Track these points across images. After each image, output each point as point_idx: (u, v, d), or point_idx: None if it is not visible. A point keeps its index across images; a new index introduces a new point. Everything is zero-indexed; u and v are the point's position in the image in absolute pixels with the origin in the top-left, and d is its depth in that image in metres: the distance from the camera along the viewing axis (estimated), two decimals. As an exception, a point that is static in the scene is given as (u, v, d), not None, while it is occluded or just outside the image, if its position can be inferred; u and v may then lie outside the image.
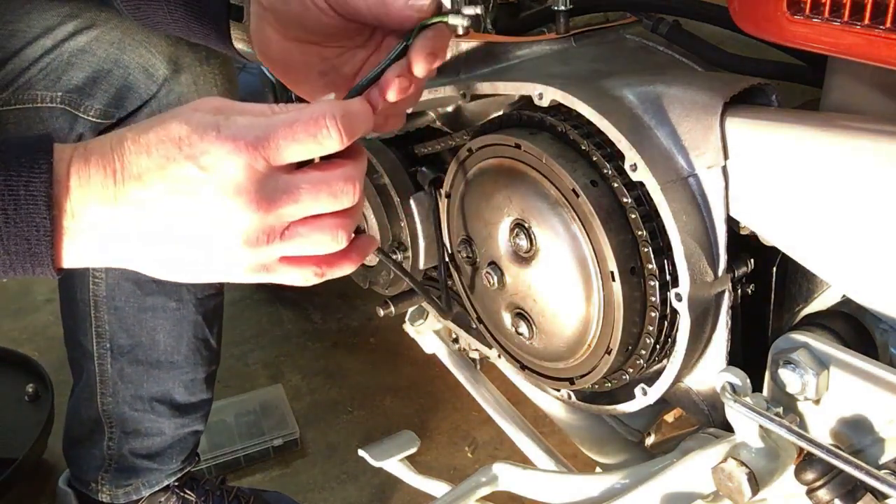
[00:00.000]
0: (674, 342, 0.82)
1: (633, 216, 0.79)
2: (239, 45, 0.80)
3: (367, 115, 0.60)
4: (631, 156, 0.77)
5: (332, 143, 0.57)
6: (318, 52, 0.72)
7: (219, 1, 0.76)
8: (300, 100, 0.73)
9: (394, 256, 1.09)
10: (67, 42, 0.98)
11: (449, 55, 1.04)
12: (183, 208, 0.57)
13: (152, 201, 0.57)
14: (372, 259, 1.15)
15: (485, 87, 0.92)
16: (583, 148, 0.82)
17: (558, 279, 0.85)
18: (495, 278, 0.93)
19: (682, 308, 0.78)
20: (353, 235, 0.63)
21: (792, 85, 0.86)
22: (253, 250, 0.59)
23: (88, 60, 0.98)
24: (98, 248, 0.58)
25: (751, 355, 0.85)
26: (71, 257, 0.58)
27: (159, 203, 0.57)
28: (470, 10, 0.65)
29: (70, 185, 0.56)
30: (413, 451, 1.23)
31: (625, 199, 0.80)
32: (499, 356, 1.04)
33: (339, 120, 0.57)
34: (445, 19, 0.65)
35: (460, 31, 0.66)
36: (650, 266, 0.79)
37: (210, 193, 0.56)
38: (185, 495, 1.28)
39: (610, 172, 0.80)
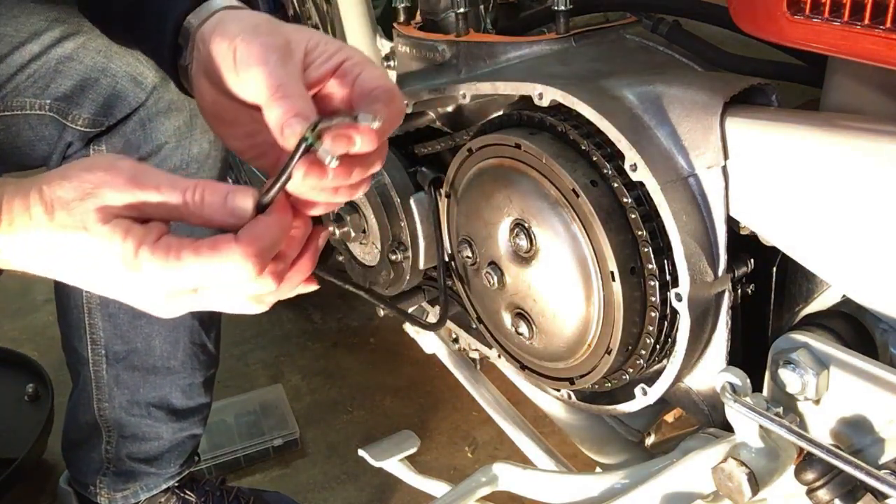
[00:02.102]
0: (674, 342, 0.82)
1: (633, 216, 0.79)
2: None
3: (281, 232, 0.58)
4: (631, 156, 0.77)
5: (245, 281, 0.57)
6: (248, 114, 0.65)
7: (168, 49, 0.72)
8: None
9: (393, 257, 1.09)
10: (54, 48, 0.97)
11: (449, 55, 1.04)
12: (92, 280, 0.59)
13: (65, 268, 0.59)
14: (372, 259, 1.15)
15: (485, 87, 0.92)
16: (583, 148, 0.82)
17: (558, 279, 0.85)
18: (495, 278, 0.93)
19: (682, 308, 0.78)
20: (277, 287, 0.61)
21: (792, 85, 0.86)
22: (167, 303, 0.60)
23: (75, 68, 0.98)
24: (23, 263, 0.60)
25: (751, 355, 0.85)
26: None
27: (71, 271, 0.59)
28: (368, 121, 0.56)
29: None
30: (413, 451, 1.23)
31: (625, 199, 0.80)
32: (499, 356, 1.04)
33: (253, 260, 0.56)
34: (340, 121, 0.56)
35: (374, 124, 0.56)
36: (650, 266, 0.79)
37: (113, 277, 0.58)
38: (185, 496, 1.28)
39: (610, 172, 0.80)
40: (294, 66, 0.60)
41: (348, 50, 0.63)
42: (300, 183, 0.57)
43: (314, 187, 0.58)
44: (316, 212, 0.62)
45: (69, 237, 0.57)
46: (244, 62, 0.61)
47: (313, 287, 0.66)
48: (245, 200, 0.58)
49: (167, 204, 0.58)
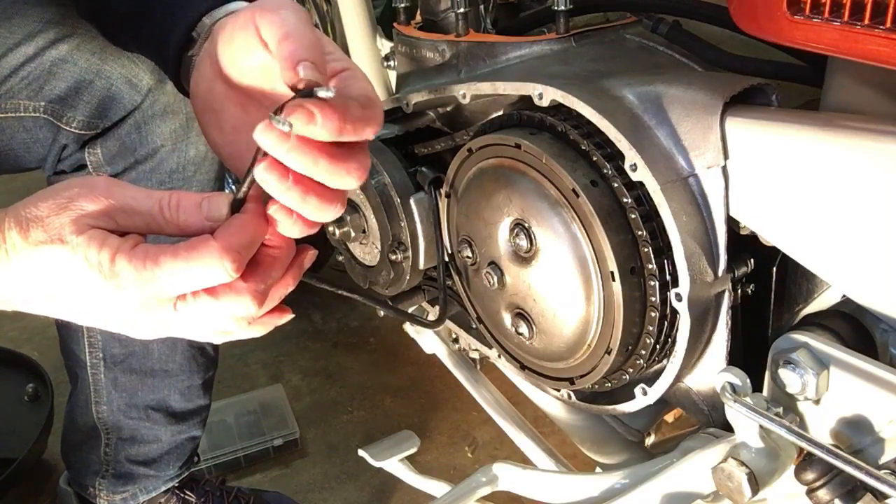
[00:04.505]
0: (674, 342, 0.82)
1: (633, 216, 0.79)
2: None
3: (257, 227, 0.57)
4: (631, 156, 0.77)
5: (224, 280, 0.56)
6: (239, 103, 0.66)
7: (176, 41, 0.72)
8: None
9: (393, 257, 1.09)
10: (49, 50, 0.97)
11: (449, 55, 1.04)
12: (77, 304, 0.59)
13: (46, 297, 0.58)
14: (372, 259, 1.15)
15: (485, 87, 0.92)
16: (583, 148, 0.82)
17: (558, 279, 0.85)
18: (495, 278, 0.93)
19: (682, 308, 0.78)
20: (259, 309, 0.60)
21: (792, 85, 0.86)
22: (146, 318, 0.59)
23: (70, 70, 0.98)
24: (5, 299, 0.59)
25: (751, 355, 0.85)
26: None
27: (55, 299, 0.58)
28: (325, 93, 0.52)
29: None
30: (413, 450, 1.23)
31: (625, 199, 0.80)
32: (499, 356, 1.04)
33: (231, 255, 0.55)
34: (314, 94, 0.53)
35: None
36: (650, 266, 0.79)
37: (90, 292, 0.58)
38: (185, 496, 1.28)
39: (610, 172, 0.80)
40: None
41: (353, 65, 0.61)
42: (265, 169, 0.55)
43: (281, 157, 0.54)
44: (293, 231, 0.59)
45: (45, 252, 0.56)
46: (264, 7, 0.58)
47: (288, 317, 0.66)
48: (220, 202, 0.58)
49: (143, 213, 0.57)
